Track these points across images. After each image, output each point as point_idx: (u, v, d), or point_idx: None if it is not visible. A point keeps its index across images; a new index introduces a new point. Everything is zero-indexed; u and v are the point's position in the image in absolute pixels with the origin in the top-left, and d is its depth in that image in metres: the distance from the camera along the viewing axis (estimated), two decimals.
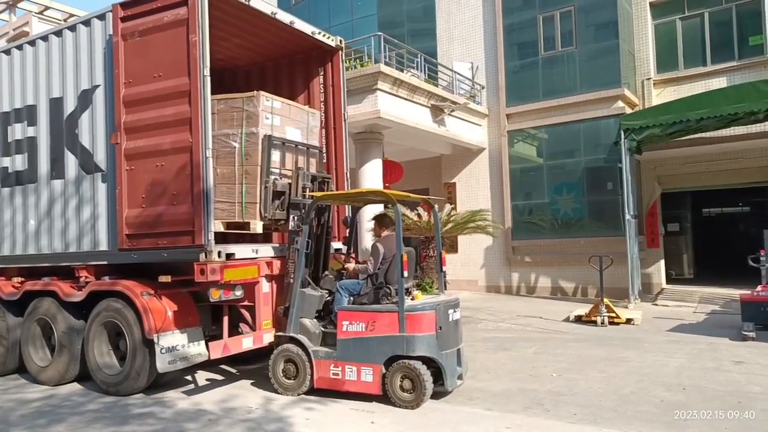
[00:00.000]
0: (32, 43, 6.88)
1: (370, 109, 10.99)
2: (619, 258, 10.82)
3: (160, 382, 5.92)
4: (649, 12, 13.65)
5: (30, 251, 6.74)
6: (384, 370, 5.18)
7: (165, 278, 5.75)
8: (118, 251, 5.93)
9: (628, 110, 12.70)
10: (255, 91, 6.21)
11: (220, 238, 5.87)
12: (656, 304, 11.39)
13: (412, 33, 15.97)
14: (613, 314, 9.27)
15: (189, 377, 6.39)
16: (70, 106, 6.44)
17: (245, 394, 5.71)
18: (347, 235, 6.90)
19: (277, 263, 6.06)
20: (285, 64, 7.67)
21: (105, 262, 6.15)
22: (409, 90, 11.77)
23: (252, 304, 5.93)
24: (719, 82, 12.41)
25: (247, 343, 5.73)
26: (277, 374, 5.64)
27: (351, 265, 6.14)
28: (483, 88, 14.68)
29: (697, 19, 13.24)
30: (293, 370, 5.58)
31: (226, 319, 5.82)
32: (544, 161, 14.00)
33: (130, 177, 5.85)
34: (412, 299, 5.52)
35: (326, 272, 6.40)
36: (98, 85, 6.20)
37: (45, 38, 6.74)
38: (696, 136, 11.75)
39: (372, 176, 11.89)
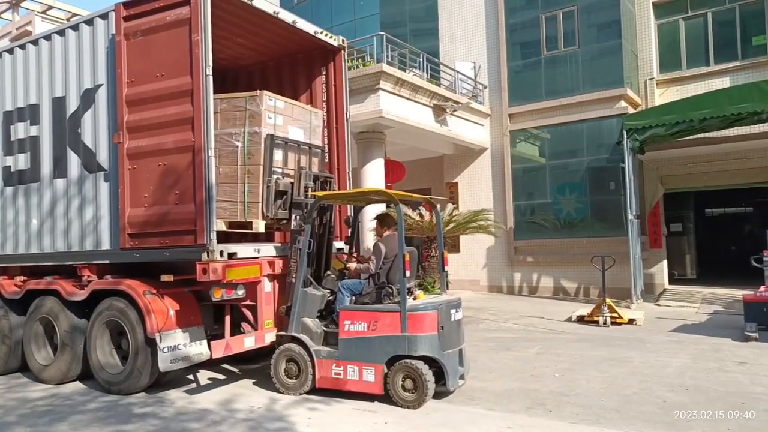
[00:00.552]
0: (35, 42, 6.89)
1: (372, 108, 10.98)
2: (621, 258, 10.80)
3: (161, 381, 5.93)
4: (652, 12, 13.63)
5: (32, 250, 6.74)
6: (386, 370, 5.18)
7: (167, 277, 5.76)
8: (120, 250, 5.93)
9: (631, 110, 12.67)
10: (258, 91, 6.21)
11: (223, 237, 5.88)
12: (659, 305, 11.36)
13: (414, 33, 15.96)
14: (616, 314, 9.26)
15: (191, 376, 6.39)
16: (72, 105, 6.45)
17: (247, 394, 5.71)
18: (349, 234, 6.90)
19: (279, 263, 6.06)
20: (287, 64, 7.67)
21: (107, 262, 6.15)
22: (412, 90, 11.77)
23: (254, 303, 5.93)
24: (722, 82, 12.38)
25: (248, 342, 5.73)
26: (279, 374, 5.64)
27: (353, 265, 6.14)
28: (485, 87, 14.66)
29: (701, 19, 13.21)
30: (295, 369, 5.59)
31: (228, 318, 5.81)
32: (546, 161, 13.98)
33: (133, 176, 5.85)
34: (414, 299, 5.52)
35: (328, 272, 6.40)
36: (101, 85, 6.20)
37: (48, 37, 6.75)
38: (699, 136, 11.73)
39: (374, 176, 11.89)
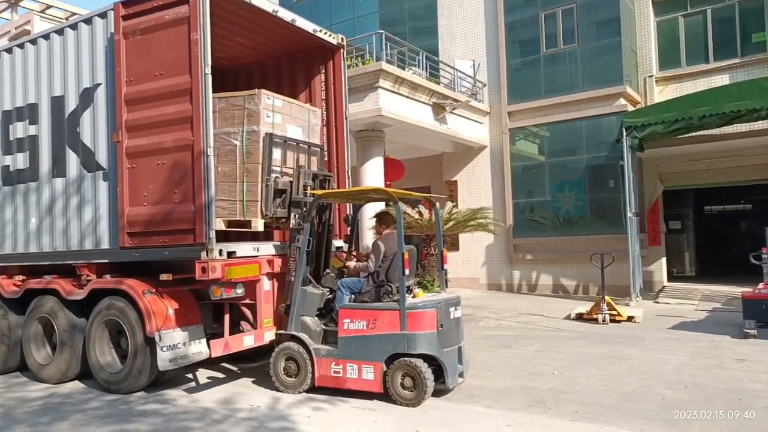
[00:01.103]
0: (34, 41, 6.88)
1: (371, 107, 10.98)
2: (620, 256, 10.80)
3: (161, 380, 5.93)
4: (651, 9, 13.62)
5: (31, 250, 6.74)
6: (385, 368, 5.18)
7: (166, 276, 5.76)
8: (119, 249, 5.93)
9: (630, 108, 12.66)
10: (256, 89, 6.20)
11: (222, 236, 5.88)
12: (658, 302, 11.37)
13: (413, 31, 15.95)
14: (615, 312, 9.27)
15: (190, 375, 6.40)
16: (71, 104, 6.44)
17: (246, 393, 5.72)
18: (348, 233, 6.90)
19: (278, 261, 6.07)
20: (286, 62, 7.67)
21: (106, 261, 6.15)
22: (411, 88, 11.76)
23: (253, 302, 5.93)
24: (722, 80, 12.37)
25: (248, 341, 5.73)
26: (279, 372, 5.64)
27: (352, 263, 6.14)
28: (484, 85, 14.66)
29: (700, 16, 13.20)
30: (294, 368, 5.59)
31: (227, 317, 5.82)
32: (545, 159, 13.98)
33: (132, 175, 5.85)
34: (413, 297, 5.52)
35: (327, 270, 6.40)
36: (100, 84, 6.20)
37: (47, 36, 6.74)
38: (698, 133, 11.73)
39: (373, 174, 11.89)
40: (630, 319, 9.23)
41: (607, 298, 9.39)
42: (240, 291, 5.73)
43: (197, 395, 5.68)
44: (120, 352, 6.03)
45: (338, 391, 5.43)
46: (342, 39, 7.39)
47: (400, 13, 16.23)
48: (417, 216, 11.35)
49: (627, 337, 8.03)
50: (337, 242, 7.08)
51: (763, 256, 8.88)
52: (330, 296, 5.96)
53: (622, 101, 12.65)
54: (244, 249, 5.84)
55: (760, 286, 8.41)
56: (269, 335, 5.90)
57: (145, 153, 5.78)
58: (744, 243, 15.12)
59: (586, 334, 8.39)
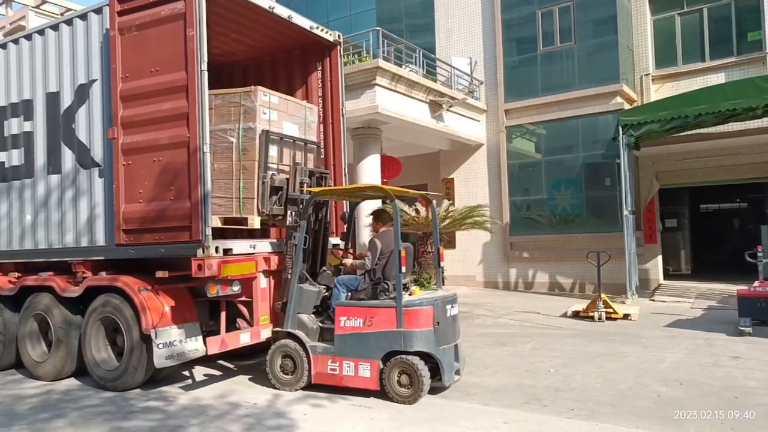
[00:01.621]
0: (29, 37, 6.84)
1: (368, 104, 10.96)
2: (616, 254, 10.83)
3: (157, 378, 5.92)
4: (648, 7, 13.63)
5: (27, 246, 6.72)
6: (381, 366, 5.18)
7: (162, 274, 5.75)
8: (115, 246, 5.91)
9: (627, 106, 12.68)
10: (252, 86, 6.19)
11: (218, 233, 5.87)
12: (653, 300, 11.41)
13: (410, 28, 15.93)
14: (611, 310, 9.29)
15: (186, 373, 6.39)
16: (66, 100, 6.41)
17: (243, 390, 5.71)
18: (345, 230, 6.89)
19: (274, 259, 6.06)
20: (283, 59, 7.65)
21: (102, 258, 6.14)
22: (408, 85, 11.75)
23: (249, 299, 5.93)
24: (718, 78, 12.39)
25: (244, 338, 5.73)
26: (275, 370, 5.64)
27: (349, 261, 6.14)
28: (481, 83, 14.65)
29: (696, 15, 13.21)
30: (291, 365, 5.59)
31: (223, 314, 5.81)
32: (542, 157, 13.99)
33: (127, 172, 5.83)
34: (409, 295, 5.52)
35: (324, 268, 6.39)
36: (95, 80, 6.17)
37: (41, 32, 6.70)
38: (694, 132, 11.76)
39: (370, 172, 11.87)
40: (626, 316, 9.25)
41: (603, 295, 9.41)
42: (236, 288, 5.71)
43: (194, 392, 5.67)
44: (116, 349, 6.01)
45: (335, 388, 5.43)
46: (339, 36, 7.38)
47: (397, 10, 16.21)
48: (414, 213, 11.34)
49: (623, 335, 8.05)
50: (334, 240, 7.07)
51: (759, 254, 8.91)
52: (326, 293, 5.95)
53: (619, 99, 12.66)
54: (240, 246, 5.83)
55: (756, 284, 8.44)
56: (266, 332, 5.90)
57: (140, 150, 5.76)
58: (739, 241, 15.18)
59: (582, 332, 8.41)
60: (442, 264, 6.13)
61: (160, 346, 5.41)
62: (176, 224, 5.52)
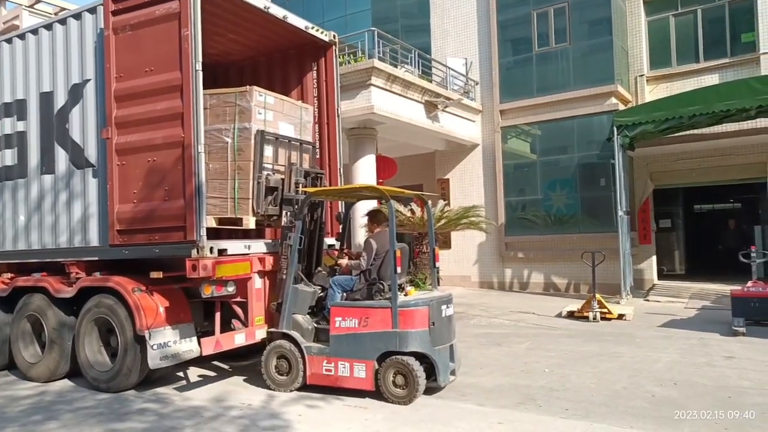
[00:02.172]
0: (22, 36, 6.80)
1: (363, 104, 10.96)
2: (611, 254, 10.86)
3: (151, 379, 5.89)
4: (642, 8, 13.68)
5: (20, 247, 6.68)
6: (377, 366, 5.18)
7: (156, 274, 5.72)
8: (109, 247, 5.88)
9: (621, 107, 12.72)
10: (247, 86, 6.17)
11: (213, 233, 5.84)
12: (648, 300, 11.44)
13: (406, 29, 15.93)
14: (605, 310, 9.31)
15: (181, 374, 6.36)
16: (60, 100, 6.38)
17: (238, 391, 5.69)
18: (340, 230, 6.89)
19: (269, 259, 6.04)
20: (278, 59, 7.63)
21: (96, 258, 6.11)
22: (403, 86, 11.75)
23: (244, 300, 5.91)
24: (711, 79, 12.45)
25: (239, 339, 5.71)
26: (270, 370, 5.63)
27: (344, 261, 6.13)
28: (477, 84, 14.67)
29: (690, 16, 13.28)
30: (286, 366, 5.57)
31: (218, 315, 5.79)
32: (537, 157, 14.02)
33: (122, 172, 5.80)
34: (405, 295, 5.52)
35: (319, 268, 6.38)
36: (89, 80, 6.14)
37: (35, 32, 6.66)
38: (688, 132, 11.80)
39: (365, 172, 11.86)
40: (620, 317, 9.28)
41: (597, 296, 9.44)
42: (231, 289, 5.70)
43: (188, 393, 5.65)
44: (110, 350, 5.98)
45: (330, 389, 5.42)
46: (334, 36, 7.37)
47: (392, 10, 16.20)
48: (409, 214, 11.34)
49: (617, 335, 8.07)
50: (329, 240, 7.06)
51: (752, 254, 8.95)
52: (322, 294, 5.94)
53: (613, 100, 12.70)
54: (235, 247, 5.81)
55: (749, 284, 8.47)
56: (260, 333, 5.88)
57: (135, 150, 5.74)
58: (733, 241, 15.24)
59: (577, 332, 8.43)
60: (437, 264, 6.13)
61: (155, 347, 5.39)
62: (170, 224, 5.50)
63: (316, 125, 7.32)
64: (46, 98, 6.50)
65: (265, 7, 6.37)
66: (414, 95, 12.15)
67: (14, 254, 6.77)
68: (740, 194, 17.06)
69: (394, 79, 11.41)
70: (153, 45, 5.64)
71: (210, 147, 5.99)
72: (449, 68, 14.41)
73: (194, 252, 5.28)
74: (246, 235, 6.59)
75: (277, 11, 6.58)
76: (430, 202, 6.66)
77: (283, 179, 6.29)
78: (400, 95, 11.72)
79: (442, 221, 11.89)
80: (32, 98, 6.64)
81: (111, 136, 5.84)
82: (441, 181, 15.31)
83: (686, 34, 13.31)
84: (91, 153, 6.10)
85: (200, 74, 5.39)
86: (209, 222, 5.73)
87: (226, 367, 6.71)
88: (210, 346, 5.47)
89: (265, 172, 6.12)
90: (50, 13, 18.98)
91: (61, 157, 6.34)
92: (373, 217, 6.25)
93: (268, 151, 6.22)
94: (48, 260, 6.49)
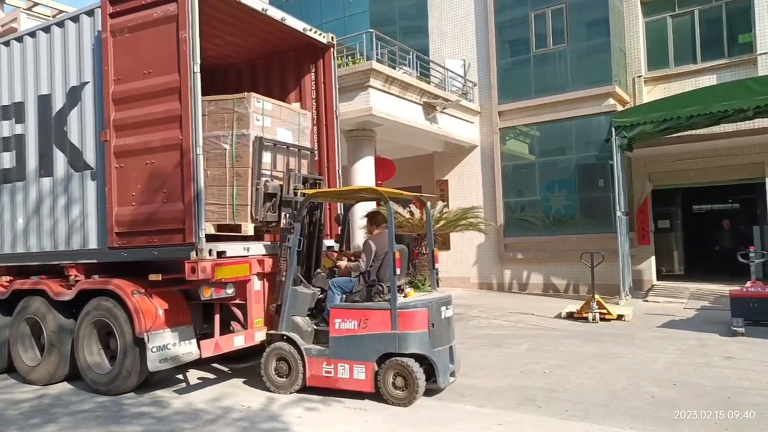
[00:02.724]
0: (20, 39, 6.80)
1: (362, 106, 10.96)
2: (610, 255, 10.87)
3: (151, 381, 5.89)
4: (640, 9, 13.71)
5: (19, 250, 6.67)
6: (376, 368, 5.17)
7: (156, 277, 5.72)
8: (108, 249, 5.88)
9: (619, 107, 12.74)
10: (245, 93, 6.15)
11: (212, 236, 5.83)
12: (647, 301, 11.45)
13: (404, 30, 15.94)
14: (605, 311, 9.32)
15: (180, 376, 6.35)
16: (58, 103, 6.38)
17: (237, 393, 5.69)
18: (339, 232, 6.89)
19: (268, 261, 6.04)
20: (276, 62, 7.63)
21: (95, 261, 6.10)
22: (401, 87, 11.76)
23: (244, 302, 5.90)
24: (709, 80, 12.48)
25: (238, 341, 5.70)
26: (270, 372, 5.62)
27: (343, 263, 6.13)
28: (475, 85, 14.68)
29: (688, 17, 13.31)
30: (285, 368, 5.57)
31: (217, 317, 5.78)
32: (535, 158, 14.04)
33: (120, 175, 5.80)
34: (404, 296, 5.52)
35: (318, 270, 6.38)
36: (87, 82, 6.14)
37: (33, 34, 6.66)
38: (686, 133, 11.82)
39: (364, 173, 11.87)
40: (620, 317, 9.29)
41: (597, 296, 9.45)
42: (230, 291, 5.69)
43: (188, 396, 5.64)
44: (109, 353, 5.97)
45: (330, 391, 5.41)
46: (332, 38, 7.37)
47: (390, 12, 16.22)
48: (408, 215, 11.34)
49: (617, 336, 8.07)
50: (328, 242, 7.06)
51: (750, 254, 8.97)
52: (321, 296, 5.94)
53: (611, 101, 12.72)
54: (234, 249, 5.81)
55: (748, 284, 8.49)
56: (260, 335, 5.88)
57: (133, 152, 5.73)
58: (732, 242, 15.25)
59: (576, 333, 8.43)
60: (436, 266, 6.13)
61: (154, 349, 5.38)
62: (169, 227, 5.49)
63: (315, 126, 7.32)
64: (44, 101, 6.50)
65: (263, 9, 6.38)
66: (412, 97, 12.16)
67: (13, 257, 6.76)
68: (738, 195, 17.08)
69: (392, 80, 11.42)
70: (151, 47, 5.64)
71: (208, 153, 5.97)
72: (447, 70, 14.42)
73: (193, 254, 5.28)
74: (245, 237, 6.58)
75: (275, 13, 6.59)
76: (428, 203, 6.66)
77: (281, 185, 6.28)
78: (398, 97, 11.73)
79: (441, 222, 11.90)
80: (30, 101, 6.64)
81: (109, 139, 5.83)
82: (440, 183, 15.32)
83: (684, 35, 13.34)
84: (90, 156, 6.09)
85: (198, 76, 5.38)
86: (208, 228, 5.71)
87: (225, 369, 6.70)
88: (209, 348, 5.46)
89: (263, 179, 6.12)
90: (48, 16, 18.96)
91: (60, 160, 6.34)
92: (372, 218, 6.25)
93: (267, 157, 6.21)
94: (47, 263, 6.48)
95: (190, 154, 5.35)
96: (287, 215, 6.05)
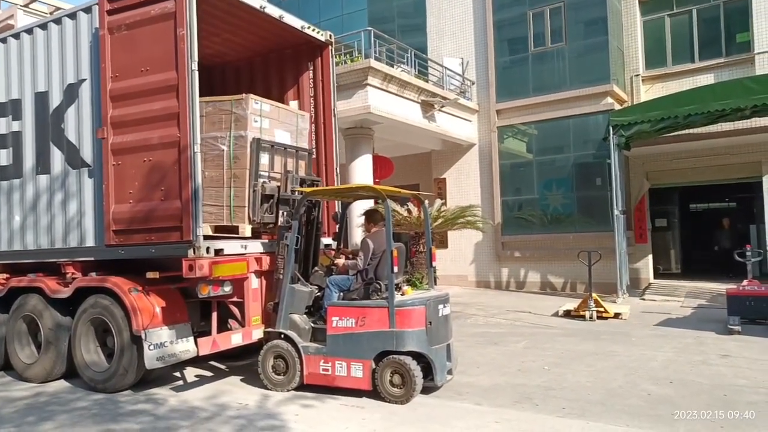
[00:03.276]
0: (17, 36, 6.77)
1: (360, 104, 10.96)
2: (607, 253, 10.89)
3: (148, 379, 5.88)
4: (638, 8, 13.72)
5: (15, 247, 6.65)
6: (374, 366, 5.18)
7: (153, 274, 5.71)
8: (105, 247, 5.87)
9: (617, 106, 12.76)
10: (243, 94, 6.14)
11: (209, 239, 5.82)
12: (644, 299, 11.48)
13: (402, 28, 15.93)
14: (602, 309, 9.34)
15: (177, 374, 6.35)
16: (55, 100, 6.36)
17: (235, 391, 5.69)
18: (337, 230, 6.89)
19: (266, 259, 6.03)
20: (274, 60, 7.62)
21: (92, 258, 6.09)
22: (400, 85, 11.75)
23: (241, 299, 5.90)
24: (707, 79, 12.49)
25: (236, 339, 5.70)
26: (267, 370, 5.62)
27: (341, 261, 6.13)
28: (473, 83, 14.68)
29: (686, 16, 13.32)
30: (283, 366, 5.57)
31: (214, 315, 5.78)
32: (533, 157, 14.04)
33: (117, 172, 5.79)
34: (402, 295, 5.52)
35: (316, 268, 6.38)
36: (84, 79, 6.12)
37: (30, 31, 6.64)
38: (684, 132, 11.84)
39: (362, 172, 11.87)
40: (617, 315, 9.31)
41: (594, 295, 9.46)
42: (228, 289, 5.69)
43: (185, 394, 5.64)
44: (106, 350, 5.97)
45: (327, 388, 5.42)
46: (330, 36, 7.36)
47: (388, 10, 16.20)
48: (406, 213, 11.35)
49: (614, 334, 8.09)
50: (326, 240, 7.06)
51: (747, 253, 9.00)
52: (319, 294, 5.94)
53: (609, 100, 12.74)
54: (231, 247, 5.80)
55: (745, 283, 8.52)
56: (257, 333, 5.88)
57: (130, 150, 5.72)
58: (729, 240, 15.30)
59: (573, 331, 8.45)
60: (434, 264, 6.14)
61: (151, 347, 5.38)
62: (167, 224, 5.48)
63: (312, 125, 7.31)
64: (42, 98, 6.48)
65: (261, 7, 6.36)
66: (410, 95, 12.15)
67: (10, 254, 6.75)
68: (736, 193, 17.13)
69: (390, 78, 11.41)
70: (148, 45, 5.62)
71: (206, 155, 5.96)
72: (445, 68, 14.41)
73: (191, 252, 5.27)
74: (242, 239, 6.57)
75: (273, 11, 6.57)
76: (426, 201, 6.66)
77: (279, 187, 6.28)
78: (396, 95, 11.72)
79: (439, 221, 11.90)
80: (27, 98, 6.61)
81: (106, 136, 5.82)
82: (438, 181, 15.32)
83: (681, 34, 13.35)
84: (87, 153, 6.08)
85: (196, 74, 5.37)
86: (205, 230, 5.69)
87: (222, 367, 6.70)
88: (207, 346, 5.46)
89: (261, 180, 6.11)
90: (45, 13, 18.89)
91: (57, 157, 6.32)
92: (370, 216, 6.25)
93: (264, 158, 6.21)
94: (44, 260, 6.46)
95: (188, 152, 5.35)
96: (285, 213, 6.05)
